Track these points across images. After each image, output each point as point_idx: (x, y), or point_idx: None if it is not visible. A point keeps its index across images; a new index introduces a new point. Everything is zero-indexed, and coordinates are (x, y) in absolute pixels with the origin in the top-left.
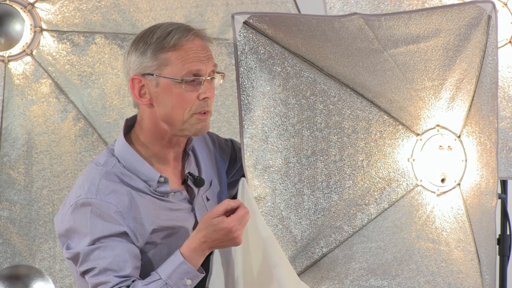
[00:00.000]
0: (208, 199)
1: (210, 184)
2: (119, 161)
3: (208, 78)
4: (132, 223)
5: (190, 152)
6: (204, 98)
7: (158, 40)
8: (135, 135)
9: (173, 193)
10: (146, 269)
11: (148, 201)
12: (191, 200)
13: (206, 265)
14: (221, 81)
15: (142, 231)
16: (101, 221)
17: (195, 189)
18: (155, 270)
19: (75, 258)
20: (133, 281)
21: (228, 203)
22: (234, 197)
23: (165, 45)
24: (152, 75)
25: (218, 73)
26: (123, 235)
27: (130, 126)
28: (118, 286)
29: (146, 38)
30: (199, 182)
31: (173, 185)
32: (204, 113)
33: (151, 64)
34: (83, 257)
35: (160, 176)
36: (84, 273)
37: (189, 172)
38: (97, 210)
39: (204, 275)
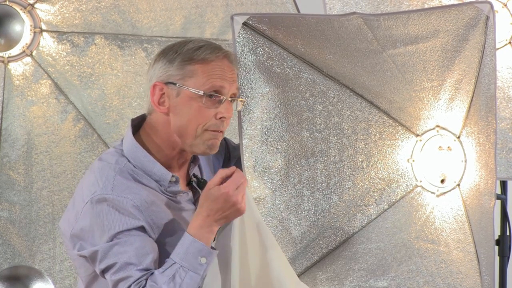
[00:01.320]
0: None
1: None
2: (129, 161)
3: (229, 99)
4: (150, 217)
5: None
6: (221, 118)
7: (188, 51)
8: (145, 135)
9: (181, 194)
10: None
11: (161, 200)
12: (194, 202)
13: None
14: (240, 107)
15: (159, 221)
16: (119, 216)
17: (199, 191)
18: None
19: (93, 257)
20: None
21: (222, 172)
22: None
23: (194, 57)
24: (175, 84)
25: (240, 99)
26: (141, 229)
27: (136, 126)
28: (139, 280)
29: (177, 48)
30: (203, 184)
31: (181, 187)
32: (220, 131)
33: (176, 73)
34: (102, 254)
35: (172, 176)
36: (104, 271)
37: (194, 174)
38: (113, 205)
39: (218, 251)
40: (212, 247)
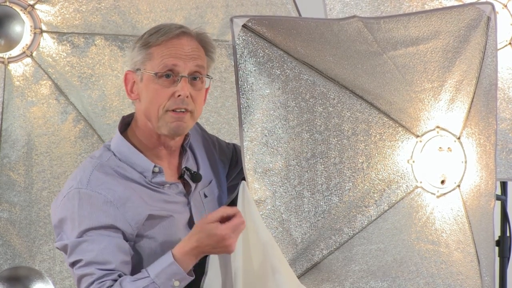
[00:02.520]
0: (206, 196)
1: (209, 183)
2: (114, 155)
3: (186, 76)
4: (126, 213)
5: (188, 149)
6: (178, 96)
7: (146, 35)
8: (131, 131)
9: (168, 185)
10: (138, 264)
11: (143, 192)
12: (187, 195)
13: (202, 266)
14: (206, 85)
15: (137, 217)
16: (90, 212)
17: (192, 184)
18: (146, 265)
19: (64, 249)
20: (119, 275)
21: (224, 210)
22: (235, 200)
23: (150, 41)
24: (139, 70)
25: (208, 76)
26: (111, 228)
27: (127, 123)
28: (102, 280)
29: (140, 36)
30: (196, 177)
31: (168, 178)
32: (183, 112)
33: (138, 59)
34: (70, 249)
35: (155, 166)
36: (72, 265)
37: (186, 167)
38: (86, 201)
39: (193, 278)
40: (189, 273)
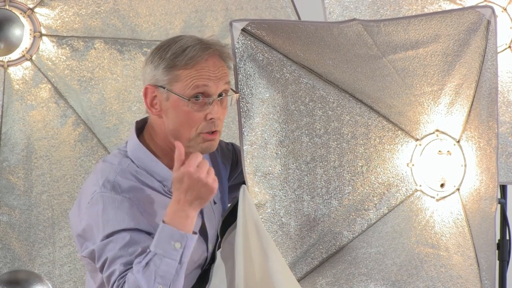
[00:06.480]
0: (215, 202)
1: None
2: (132, 162)
3: (217, 98)
4: (149, 217)
5: None
6: (211, 119)
7: (171, 56)
8: (148, 135)
9: None
10: None
11: (162, 202)
12: None
13: (206, 276)
14: (234, 101)
15: (158, 223)
16: (114, 216)
17: None
18: None
19: (91, 257)
20: None
21: (178, 157)
22: (236, 204)
23: (177, 63)
24: (164, 88)
25: (233, 91)
26: (135, 230)
27: (140, 128)
28: (123, 275)
29: (162, 52)
30: None
31: None
32: (212, 133)
33: (163, 78)
34: (98, 253)
35: None
36: (101, 269)
37: None
38: (110, 205)
39: (196, 235)
40: (194, 232)
